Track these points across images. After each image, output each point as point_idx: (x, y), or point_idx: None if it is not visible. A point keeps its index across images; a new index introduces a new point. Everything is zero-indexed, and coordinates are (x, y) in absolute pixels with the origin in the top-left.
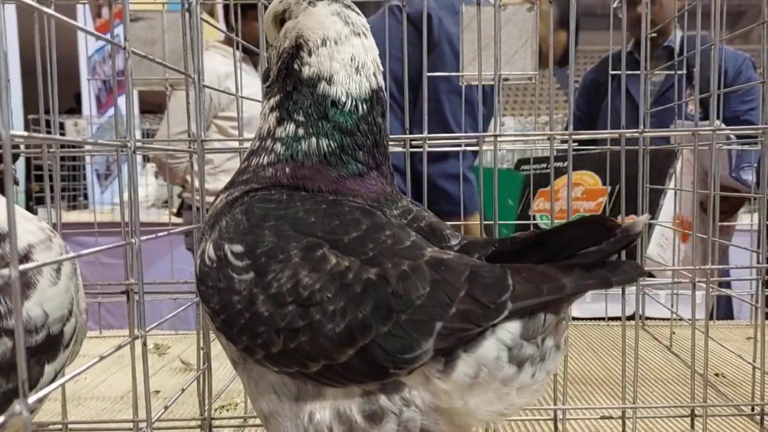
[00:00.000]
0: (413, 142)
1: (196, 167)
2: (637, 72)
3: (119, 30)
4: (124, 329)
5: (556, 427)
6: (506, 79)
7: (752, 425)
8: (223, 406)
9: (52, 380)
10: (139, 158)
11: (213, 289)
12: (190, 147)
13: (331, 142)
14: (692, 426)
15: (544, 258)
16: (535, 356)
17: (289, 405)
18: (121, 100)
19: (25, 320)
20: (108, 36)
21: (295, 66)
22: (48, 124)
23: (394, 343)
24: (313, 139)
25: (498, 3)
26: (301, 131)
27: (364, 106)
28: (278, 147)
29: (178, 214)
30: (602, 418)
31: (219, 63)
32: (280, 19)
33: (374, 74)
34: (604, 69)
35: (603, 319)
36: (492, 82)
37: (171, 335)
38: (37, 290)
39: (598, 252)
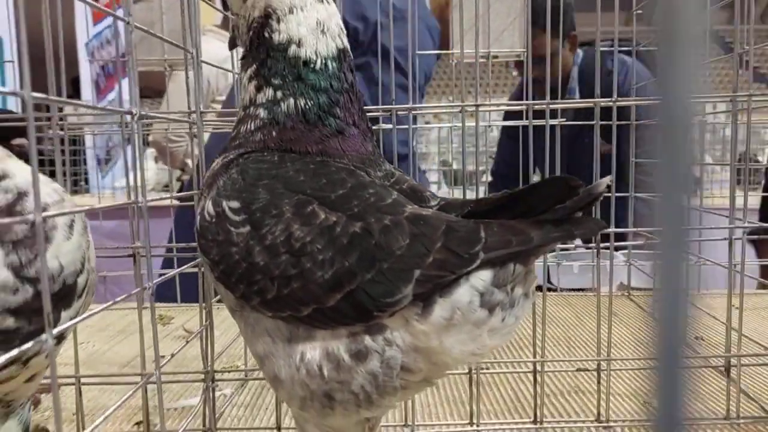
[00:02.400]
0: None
1: (196, 150)
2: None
3: (117, 13)
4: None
5: (535, 379)
6: (495, 57)
7: (720, 378)
8: (224, 369)
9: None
10: (134, 135)
11: (212, 242)
12: (189, 118)
13: (308, 101)
14: None
15: (516, 216)
16: (505, 302)
17: (283, 346)
18: (125, 82)
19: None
20: (105, 23)
21: (266, 34)
22: (48, 109)
23: (377, 289)
24: (291, 100)
25: None
26: (279, 94)
27: (333, 64)
28: (261, 112)
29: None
30: (578, 370)
31: (217, 47)
32: None
33: (338, 36)
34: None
35: (590, 290)
36: (483, 59)
37: (174, 307)
38: (53, 244)
39: (563, 209)
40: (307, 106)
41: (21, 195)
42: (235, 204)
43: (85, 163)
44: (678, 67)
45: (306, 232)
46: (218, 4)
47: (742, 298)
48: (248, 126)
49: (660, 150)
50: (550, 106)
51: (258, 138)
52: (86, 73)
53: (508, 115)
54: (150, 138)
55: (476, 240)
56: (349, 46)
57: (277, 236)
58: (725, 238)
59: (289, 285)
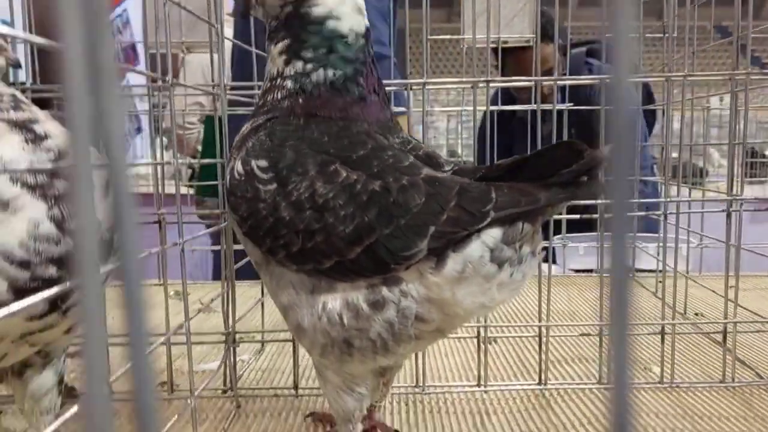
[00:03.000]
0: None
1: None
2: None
3: (128, 3)
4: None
5: (540, 343)
6: (505, 42)
7: (717, 347)
8: (242, 339)
9: (104, 280)
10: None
11: (241, 198)
12: (213, 90)
13: (337, 71)
14: (662, 341)
15: (525, 180)
16: (514, 259)
17: (306, 297)
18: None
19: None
20: (117, 11)
21: (303, 9)
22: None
23: (394, 243)
24: (321, 71)
25: None
26: (309, 66)
27: (362, 40)
28: (288, 83)
29: (190, 186)
30: (582, 335)
31: (229, 35)
32: None
33: (365, 14)
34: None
35: (596, 271)
36: (493, 45)
37: (190, 284)
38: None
39: (569, 173)
40: (335, 77)
41: (61, 154)
42: (263, 163)
43: None
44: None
45: (329, 189)
46: None
47: (738, 270)
48: (275, 95)
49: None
50: (559, 82)
51: (285, 105)
52: None
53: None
54: (163, 125)
55: (487, 200)
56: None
57: (301, 193)
58: (723, 210)
59: (312, 239)
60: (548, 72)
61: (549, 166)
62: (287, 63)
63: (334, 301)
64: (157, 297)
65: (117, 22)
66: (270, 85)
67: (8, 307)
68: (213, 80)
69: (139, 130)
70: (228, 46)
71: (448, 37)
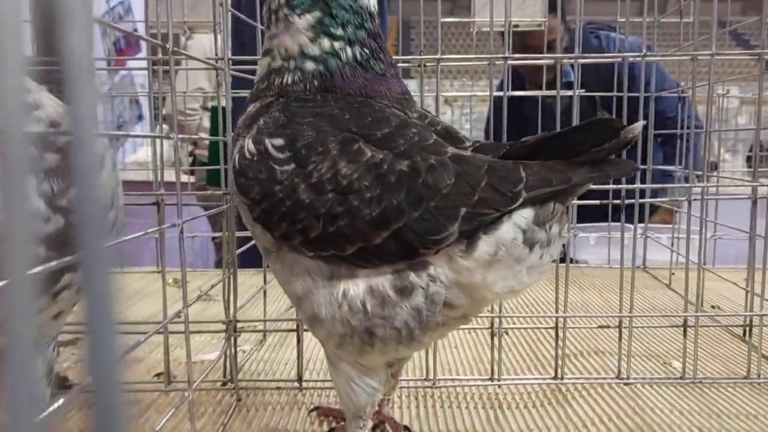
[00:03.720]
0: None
1: (207, 123)
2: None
3: None
4: (145, 267)
5: (557, 336)
6: (516, 26)
7: (739, 341)
8: (242, 328)
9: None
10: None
11: (253, 180)
12: (216, 63)
13: (365, 50)
14: (684, 336)
15: (552, 158)
16: (544, 240)
17: (323, 284)
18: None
19: (74, 201)
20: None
21: None
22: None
23: (424, 226)
24: (349, 50)
25: None
26: (338, 44)
27: (377, 19)
28: (308, 65)
29: (192, 173)
30: (600, 327)
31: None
32: None
33: None
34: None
35: (607, 263)
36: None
37: (189, 272)
38: None
39: (602, 150)
40: (363, 56)
41: (52, 125)
42: (278, 141)
43: None
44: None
45: (353, 170)
46: None
47: (765, 261)
48: (285, 79)
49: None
50: (579, 60)
51: (298, 89)
52: (99, 49)
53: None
54: (163, 111)
55: (518, 179)
56: None
57: (323, 173)
58: (748, 197)
59: (335, 223)
60: (552, 43)
61: (578, 145)
62: (314, 40)
63: (356, 288)
64: (155, 284)
65: (119, 9)
66: (281, 64)
67: None
68: (216, 53)
69: (140, 117)
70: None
71: (459, 19)
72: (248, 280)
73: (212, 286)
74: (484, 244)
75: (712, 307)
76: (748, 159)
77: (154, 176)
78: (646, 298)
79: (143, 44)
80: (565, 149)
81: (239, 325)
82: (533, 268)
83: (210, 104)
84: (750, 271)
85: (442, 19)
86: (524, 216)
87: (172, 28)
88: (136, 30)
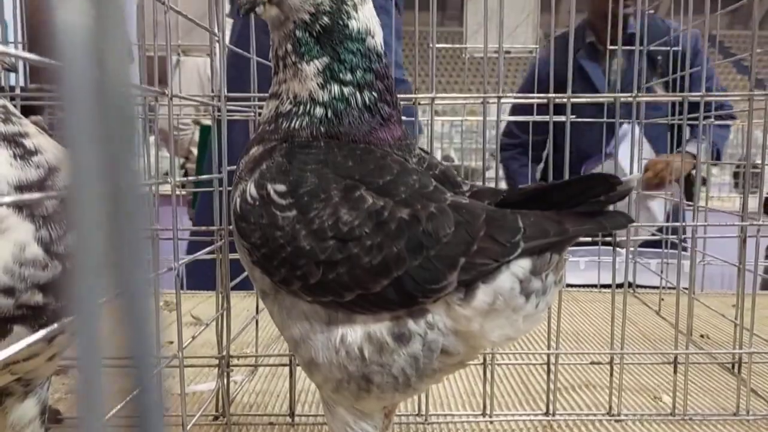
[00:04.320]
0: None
1: (198, 138)
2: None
3: None
4: None
5: (548, 371)
6: (508, 52)
7: (729, 375)
8: (234, 356)
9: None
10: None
11: (255, 225)
12: (213, 100)
13: (373, 93)
14: (675, 372)
15: (548, 207)
16: (540, 289)
17: (321, 329)
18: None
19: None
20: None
21: (340, 21)
22: None
23: (424, 275)
24: (358, 95)
25: None
26: (347, 90)
27: (385, 59)
28: (318, 111)
29: (182, 186)
30: (592, 363)
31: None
32: None
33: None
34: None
35: (596, 286)
36: (494, 55)
37: (180, 293)
38: None
39: (599, 203)
40: (371, 100)
41: (52, 170)
42: (281, 187)
43: None
44: None
45: (354, 217)
46: None
47: (755, 296)
48: (293, 124)
49: None
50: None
51: (304, 135)
52: None
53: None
54: (162, 113)
55: (516, 229)
56: None
57: (324, 220)
58: (738, 236)
59: (334, 270)
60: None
61: (575, 195)
62: (323, 87)
63: (354, 334)
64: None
65: None
66: (290, 109)
67: (3, 352)
68: (212, 90)
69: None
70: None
71: (452, 45)
72: (239, 303)
73: (210, 321)
74: (483, 294)
75: (702, 336)
76: (735, 175)
77: (150, 212)
78: (636, 326)
79: (135, 55)
80: (562, 199)
81: (232, 353)
82: (529, 317)
83: (203, 119)
84: (739, 304)
85: (437, 45)
86: (522, 266)
87: (164, 53)
88: (129, 42)
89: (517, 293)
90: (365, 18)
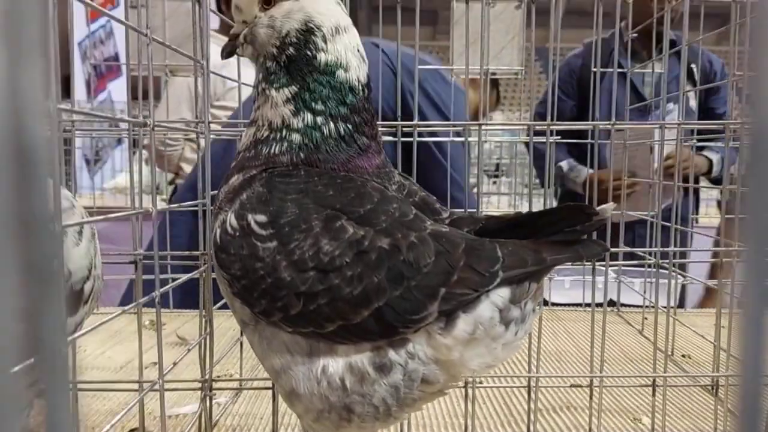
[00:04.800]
0: (404, 129)
1: (188, 154)
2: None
3: (113, 13)
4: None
5: (529, 394)
6: (493, 74)
7: (708, 397)
8: (218, 377)
9: (73, 331)
10: (133, 140)
11: (235, 256)
12: (197, 128)
13: (348, 125)
14: (653, 395)
15: (527, 236)
16: (519, 317)
17: (302, 360)
18: (113, 85)
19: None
20: (99, 22)
21: (309, 52)
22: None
23: (404, 306)
24: (332, 125)
25: (485, 1)
26: (320, 119)
27: (366, 91)
28: (295, 137)
29: (171, 201)
30: (572, 386)
31: (216, 52)
32: None
33: (366, 61)
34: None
35: (580, 305)
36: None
37: (166, 313)
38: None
39: (575, 232)
40: (347, 131)
41: None
42: (261, 218)
43: (68, 164)
44: None
45: (335, 247)
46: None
47: (731, 319)
48: (272, 149)
49: None
50: (552, 127)
51: (284, 160)
52: (79, 72)
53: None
54: (145, 141)
55: (495, 259)
56: None
57: (305, 251)
58: (715, 260)
59: (315, 301)
60: None
61: (553, 224)
62: (295, 114)
63: (335, 365)
64: (132, 326)
65: (99, 34)
66: (268, 135)
67: None
68: (197, 116)
69: (119, 141)
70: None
71: (438, 67)
72: (225, 322)
73: (192, 347)
74: (463, 323)
75: (683, 356)
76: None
77: (133, 233)
78: (619, 345)
79: (124, 68)
80: (539, 228)
81: (215, 374)
82: (508, 345)
83: (192, 135)
84: (718, 327)
85: (420, 67)
86: (501, 295)
87: (153, 73)
88: (117, 54)
89: (496, 322)
90: (337, 51)
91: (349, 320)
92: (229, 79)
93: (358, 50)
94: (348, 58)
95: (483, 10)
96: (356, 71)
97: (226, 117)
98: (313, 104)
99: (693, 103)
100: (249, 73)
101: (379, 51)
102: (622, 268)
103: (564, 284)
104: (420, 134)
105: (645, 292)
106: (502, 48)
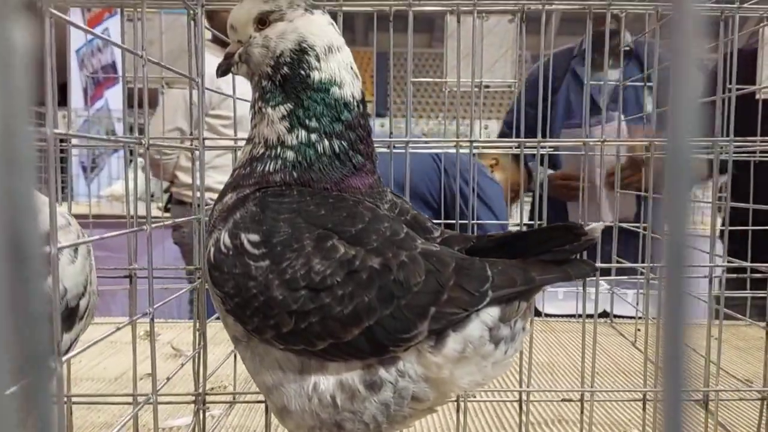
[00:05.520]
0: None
1: (183, 162)
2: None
3: (109, 23)
4: (118, 318)
5: (520, 408)
6: (487, 86)
7: (700, 410)
8: (212, 389)
9: (69, 348)
10: (129, 154)
11: (228, 274)
12: (192, 144)
13: (343, 142)
14: (644, 409)
15: (517, 255)
16: (508, 336)
17: (294, 377)
18: (110, 93)
19: (48, 293)
20: (97, 31)
21: (302, 71)
22: (39, 115)
23: (394, 324)
24: (326, 142)
25: (475, 14)
26: (314, 136)
27: (360, 108)
28: (289, 155)
29: (166, 210)
30: (563, 400)
31: (211, 63)
32: (260, 20)
33: (359, 77)
34: (557, 63)
35: (574, 316)
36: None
37: (161, 323)
38: (58, 267)
39: (564, 252)
40: (342, 148)
41: None
42: (254, 237)
43: (64, 171)
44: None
45: (326, 266)
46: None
47: (721, 333)
48: (266, 167)
49: None
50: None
51: (277, 179)
52: (76, 80)
53: None
54: (140, 150)
55: (485, 278)
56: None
57: (297, 270)
58: (705, 276)
59: (306, 319)
60: None
61: (542, 244)
62: (290, 131)
63: (326, 382)
64: (126, 336)
65: (97, 41)
66: (264, 152)
67: None
68: (191, 132)
69: (115, 149)
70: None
71: (430, 79)
72: (220, 333)
73: (185, 361)
74: (453, 342)
75: None
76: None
77: (128, 249)
78: (612, 357)
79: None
80: (529, 247)
81: (209, 386)
82: (498, 363)
83: (188, 143)
84: (708, 341)
85: (413, 80)
86: (491, 314)
87: (149, 84)
88: (114, 63)
89: (486, 341)
90: (330, 69)
91: (340, 338)
92: (224, 94)
93: (352, 68)
94: (342, 75)
95: (473, 22)
96: (350, 87)
97: (222, 126)
98: (307, 121)
99: (650, 108)
100: (244, 86)
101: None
102: (616, 278)
103: (557, 295)
104: None
105: (638, 303)
106: (495, 61)
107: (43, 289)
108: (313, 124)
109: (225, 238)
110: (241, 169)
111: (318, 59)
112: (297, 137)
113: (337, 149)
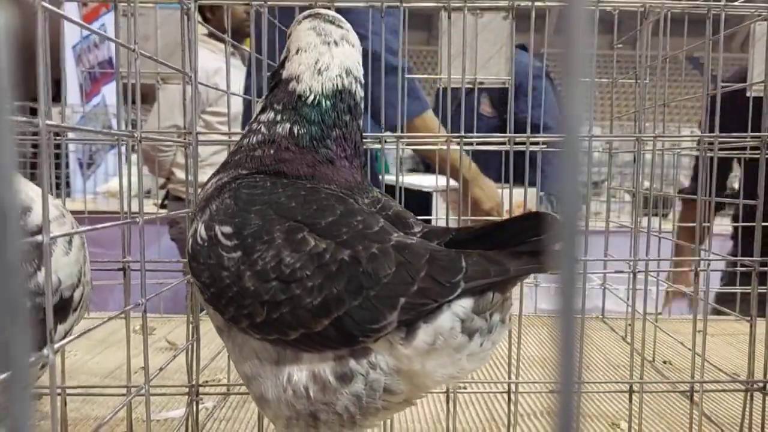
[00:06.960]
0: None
1: (180, 159)
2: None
3: (105, 19)
4: (113, 312)
5: (509, 400)
6: (481, 83)
7: (685, 402)
8: (206, 382)
9: (63, 338)
10: (123, 148)
11: (204, 265)
12: (185, 139)
13: (301, 128)
14: (630, 400)
15: (494, 246)
16: (484, 328)
17: (270, 368)
18: (107, 89)
19: (41, 285)
20: (94, 26)
21: (280, 71)
22: (32, 111)
23: (363, 315)
24: (287, 125)
25: (466, 10)
26: (278, 117)
27: (327, 102)
28: (262, 128)
29: (163, 206)
30: (551, 392)
31: (208, 58)
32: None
33: (339, 76)
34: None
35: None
36: (470, 86)
37: (156, 318)
38: (52, 259)
39: (540, 242)
40: (299, 133)
41: (24, 210)
42: (227, 229)
43: (67, 167)
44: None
45: (296, 259)
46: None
47: (706, 326)
48: (251, 139)
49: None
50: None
51: (258, 154)
52: (72, 76)
53: None
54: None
55: (458, 269)
56: (356, 89)
57: (267, 262)
58: (692, 269)
59: (278, 310)
60: None
61: (518, 235)
62: (263, 111)
63: (299, 373)
64: (120, 332)
65: (93, 37)
66: (248, 128)
67: None
68: (185, 126)
69: (112, 145)
70: (213, 67)
71: (426, 76)
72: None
73: (178, 353)
74: (423, 333)
75: (665, 362)
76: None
77: (122, 241)
78: (602, 352)
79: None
80: (507, 238)
81: (202, 379)
82: (473, 356)
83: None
84: (694, 334)
85: (408, 76)
86: (463, 306)
87: (144, 80)
88: (111, 59)
89: (458, 332)
90: (292, 68)
91: (311, 329)
92: (219, 89)
93: (317, 66)
94: (300, 71)
95: (464, 19)
96: (307, 83)
97: (219, 122)
98: (275, 104)
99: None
100: (239, 82)
101: None
102: (607, 274)
103: (550, 290)
104: None
105: (628, 299)
106: (489, 58)
107: (21, 269)
108: (278, 107)
109: (201, 229)
110: (236, 145)
111: (287, 60)
112: (266, 116)
113: (296, 132)
